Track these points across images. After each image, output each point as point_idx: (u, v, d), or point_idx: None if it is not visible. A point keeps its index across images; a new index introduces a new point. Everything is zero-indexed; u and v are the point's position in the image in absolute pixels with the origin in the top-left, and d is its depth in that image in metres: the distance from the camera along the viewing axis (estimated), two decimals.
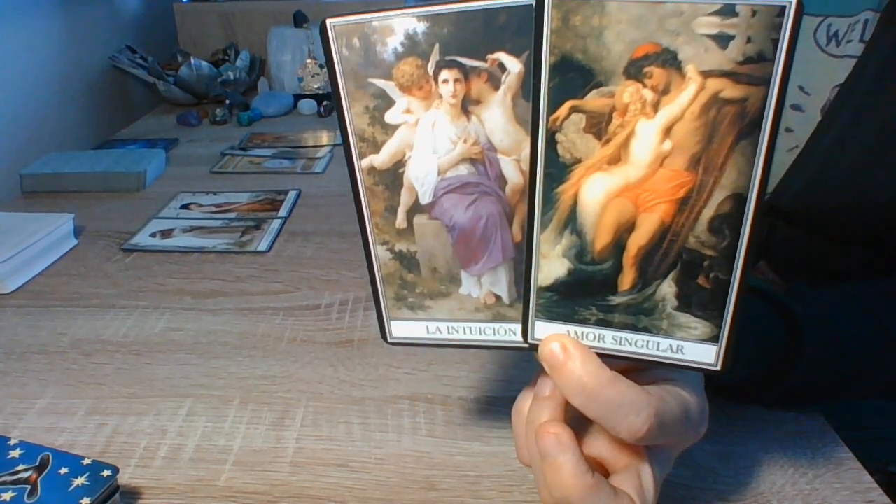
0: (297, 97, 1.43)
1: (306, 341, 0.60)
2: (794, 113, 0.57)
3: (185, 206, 0.91)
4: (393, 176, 0.34)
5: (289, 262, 0.75)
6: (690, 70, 0.28)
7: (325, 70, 1.44)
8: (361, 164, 0.34)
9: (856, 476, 0.44)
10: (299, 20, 1.52)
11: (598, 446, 0.35)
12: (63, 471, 0.40)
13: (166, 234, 0.82)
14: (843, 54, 0.54)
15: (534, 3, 0.29)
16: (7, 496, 0.38)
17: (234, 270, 0.73)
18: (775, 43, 0.26)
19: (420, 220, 0.34)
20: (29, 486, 0.39)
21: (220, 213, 0.89)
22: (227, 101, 1.37)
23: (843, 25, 0.54)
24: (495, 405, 0.51)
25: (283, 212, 0.89)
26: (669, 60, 0.28)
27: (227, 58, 1.56)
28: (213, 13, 1.65)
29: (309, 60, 1.44)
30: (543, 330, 0.34)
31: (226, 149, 1.15)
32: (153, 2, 1.62)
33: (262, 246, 0.79)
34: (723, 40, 0.27)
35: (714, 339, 0.31)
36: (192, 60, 1.41)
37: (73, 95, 1.25)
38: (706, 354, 0.32)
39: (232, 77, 1.47)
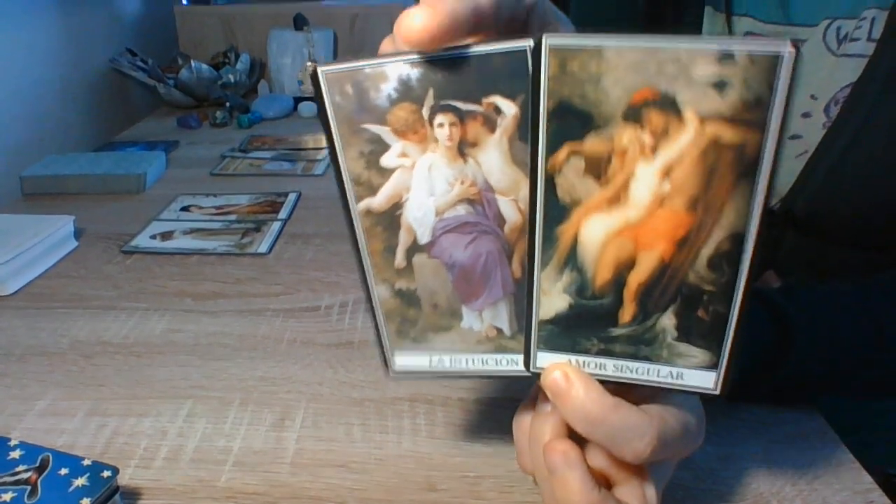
0: (298, 100, 1.43)
1: (306, 343, 0.60)
2: (803, 119, 0.57)
3: (185, 209, 0.91)
4: (390, 218, 0.34)
5: (289, 264, 0.75)
6: (689, 114, 0.28)
7: None
8: (358, 208, 0.34)
9: (856, 476, 0.44)
10: (299, 23, 1.52)
11: (600, 460, 0.36)
12: (63, 471, 0.40)
13: (166, 236, 0.82)
14: (847, 53, 0.54)
15: (528, 49, 0.29)
16: (7, 497, 0.38)
17: (234, 272, 0.73)
18: (772, 88, 0.27)
19: (419, 259, 0.35)
20: (29, 487, 0.39)
21: (220, 215, 0.89)
22: (228, 104, 1.37)
23: (851, 27, 0.54)
24: (495, 406, 0.51)
25: (283, 214, 0.89)
26: (668, 105, 0.28)
27: (227, 60, 1.56)
28: (214, 16, 1.65)
29: (309, 63, 1.45)
30: (545, 359, 0.34)
31: (226, 151, 1.15)
32: (153, 4, 1.62)
33: (263, 248, 0.79)
34: (720, 86, 0.27)
35: (713, 365, 0.32)
36: (193, 63, 1.41)
37: (73, 98, 1.26)
38: (706, 380, 0.32)
39: (232, 80, 1.47)
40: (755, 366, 0.46)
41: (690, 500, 0.43)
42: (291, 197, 0.94)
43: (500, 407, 0.51)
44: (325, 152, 1.13)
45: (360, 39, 1.63)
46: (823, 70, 0.55)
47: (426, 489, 0.44)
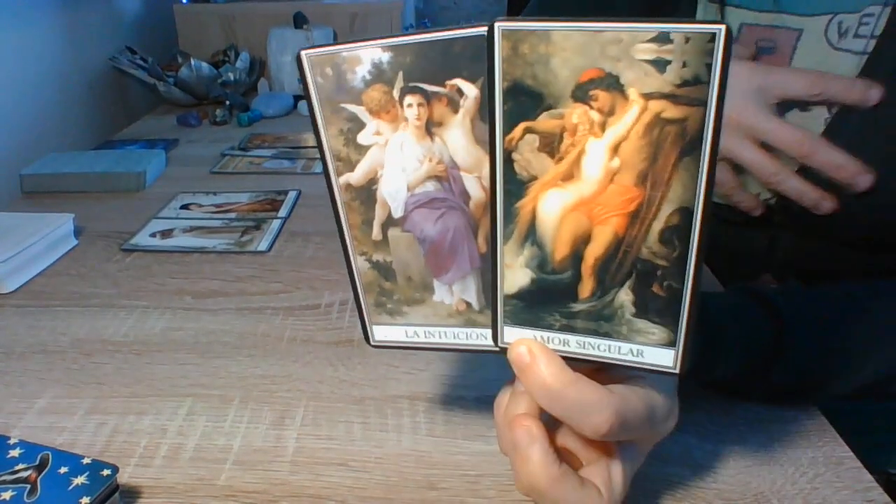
0: (297, 98, 1.43)
1: (306, 341, 0.60)
2: (802, 114, 0.56)
3: (184, 207, 0.91)
4: (367, 192, 0.36)
5: (289, 262, 0.75)
6: (632, 93, 0.30)
7: None
8: (339, 182, 0.36)
9: (856, 475, 0.44)
10: (299, 21, 1.52)
11: (570, 439, 0.37)
12: (63, 470, 0.40)
13: (166, 234, 0.82)
14: (852, 49, 0.54)
15: (486, 33, 0.31)
16: (7, 495, 0.38)
17: (233, 270, 0.73)
18: (709, 66, 0.28)
19: (394, 232, 0.37)
20: (29, 486, 0.39)
21: (219, 213, 0.89)
22: (227, 102, 1.37)
23: (853, 21, 0.54)
24: None
25: (283, 212, 0.89)
26: (613, 84, 0.30)
27: (227, 59, 1.56)
28: (213, 14, 1.65)
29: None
30: (512, 335, 0.36)
31: (226, 149, 1.15)
32: (153, 3, 1.62)
33: (262, 246, 0.79)
34: (660, 65, 0.29)
35: (671, 343, 0.33)
36: (192, 61, 1.41)
37: (73, 96, 1.26)
38: (665, 358, 0.34)
39: (232, 78, 1.47)
40: (752, 363, 0.46)
41: (690, 497, 0.43)
42: (291, 195, 0.94)
43: None
44: None
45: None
46: (824, 65, 0.55)
47: (426, 487, 0.44)
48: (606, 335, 0.34)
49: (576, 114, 0.31)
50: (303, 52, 0.34)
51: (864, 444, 0.49)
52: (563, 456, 0.35)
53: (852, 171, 0.53)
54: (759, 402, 0.50)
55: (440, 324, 0.38)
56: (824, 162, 0.53)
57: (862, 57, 0.53)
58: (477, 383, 0.54)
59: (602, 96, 0.30)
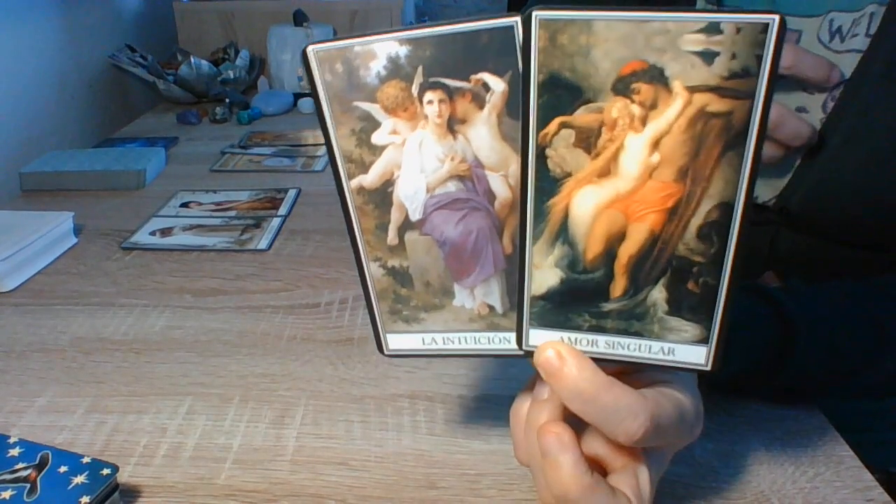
0: (297, 96, 1.43)
1: (306, 339, 0.60)
2: (799, 115, 0.56)
3: (184, 205, 0.91)
4: (382, 195, 0.34)
5: (288, 261, 0.75)
6: (677, 86, 0.28)
7: None
8: (350, 185, 0.34)
9: (856, 474, 0.44)
10: (299, 19, 1.52)
11: (596, 446, 0.35)
12: (63, 469, 0.40)
13: (166, 232, 0.82)
14: (846, 49, 0.54)
15: (516, 24, 0.29)
16: (6, 494, 0.38)
17: (233, 269, 0.73)
18: (759, 58, 0.27)
19: (411, 236, 0.35)
20: (28, 485, 0.39)
21: (219, 211, 0.89)
22: (227, 100, 1.37)
23: (846, 20, 0.54)
24: (495, 403, 0.51)
25: (282, 210, 0.89)
26: (656, 77, 0.28)
27: (226, 56, 1.56)
28: (213, 12, 1.65)
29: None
30: (537, 337, 0.34)
31: (226, 147, 1.15)
32: (153, 0, 1.62)
33: (262, 244, 0.79)
34: (708, 56, 0.28)
35: (704, 340, 0.32)
36: (192, 59, 1.41)
37: (72, 94, 1.25)
38: (697, 355, 0.32)
39: (232, 76, 1.47)
40: (758, 363, 0.46)
41: (691, 497, 0.43)
42: (291, 193, 0.94)
43: (501, 404, 0.51)
44: (325, 148, 1.13)
45: None
46: None
47: (426, 486, 0.44)
48: (637, 334, 0.33)
49: (616, 108, 0.29)
50: (310, 48, 0.31)
51: (864, 442, 0.49)
52: (589, 463, 0.34)
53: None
54: (764, 400, 0.49)
55: (460, 329, 0.36)
56: (791, 133, 0.53)
57: (855, 55, 0.53)
58: (477, 382, 0.54)
59: (644, 89, 0.29)
